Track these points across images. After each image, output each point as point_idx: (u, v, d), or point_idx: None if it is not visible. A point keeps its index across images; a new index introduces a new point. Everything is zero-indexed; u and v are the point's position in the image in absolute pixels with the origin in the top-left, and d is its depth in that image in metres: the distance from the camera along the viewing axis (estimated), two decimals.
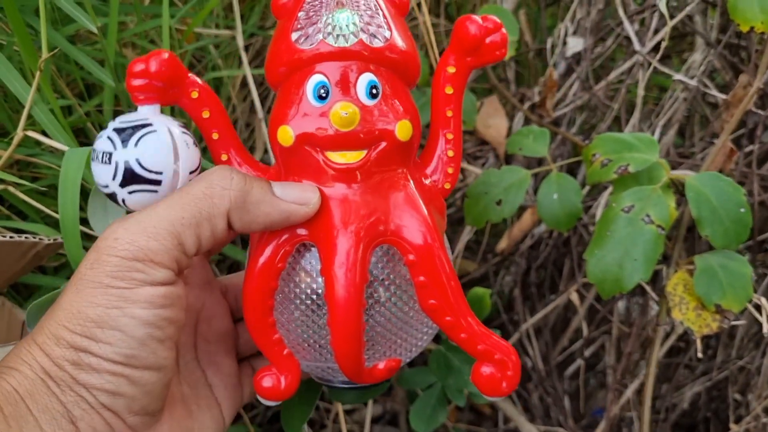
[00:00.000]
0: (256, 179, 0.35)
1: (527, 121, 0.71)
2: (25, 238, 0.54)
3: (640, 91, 0.66)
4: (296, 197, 0.35)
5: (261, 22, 0.96)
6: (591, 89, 0.69)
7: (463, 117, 0.69)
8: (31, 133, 0.56)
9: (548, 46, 0.75)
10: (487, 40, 0.37)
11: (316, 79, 0.35)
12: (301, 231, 0.36)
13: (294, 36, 0.35)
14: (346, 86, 0.35)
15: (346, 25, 0.35)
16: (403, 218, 0.36)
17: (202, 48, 0.89)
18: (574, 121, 0.74)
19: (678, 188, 0.52)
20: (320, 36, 0.35)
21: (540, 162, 0.71)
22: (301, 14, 0.35)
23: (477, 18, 0.37)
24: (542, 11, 0.78)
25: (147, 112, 0.35)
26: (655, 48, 0.72)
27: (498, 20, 0.37)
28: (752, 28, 0.54)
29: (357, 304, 0.34)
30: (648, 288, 0.55)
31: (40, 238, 0.54)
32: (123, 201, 0.34)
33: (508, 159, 0.73)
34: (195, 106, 0.37)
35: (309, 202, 0.35)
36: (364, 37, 0.35)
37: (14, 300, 0.69)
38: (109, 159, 0.33)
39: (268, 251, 0.36)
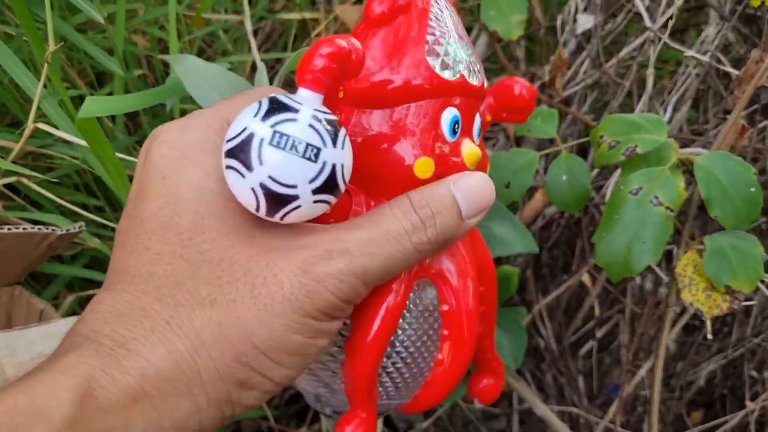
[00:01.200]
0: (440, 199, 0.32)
1: (538, 101, 0.70)
2: (38, 229, 0.55)
3: (651, 69, 0.65)
4: (482, 203, 0.33)
5: (270, 4, 0.96)
6: (601, 67, 0.68)
7: None
8: (41, 126, 0.57)
9: (558, 23, 0.74)
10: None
11: (451, 112, 0.34)
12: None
13: (431, 62, 0.33)
14: (469, 124, 0.35)
15: (473, 61, 0.35)
16: (451, 265, 0.37)
17: (212, 32, 0.89)
18: (586, 100, 0.73)
19: (688, 167, 0.51)
20: (461, 69, 0.34)
21: (552, 142, 0.71)
22: (429, 38, 0.33)
23: (524, 81, 0.39)
24: None
25: (314, 100, 0.29)
26: (669, 23, 0.71)
27: (534, 88, 0.39)
28: (763, 3, 0.53)
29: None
30: (658, 270, 0.54)
31: (52, 229, 0.55)
32: (294, 208, 0.28)
33: (519, 140, 0.72)
34: (333, 108, 0.33)
35: (491, 192, 0.33)
36: (480, 76, 0.36)
37: (32, 289, 0.71)
38: (316, 156, 0.28)
39: (399, 290, 0.34)
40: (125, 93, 0.75)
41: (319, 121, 0.28)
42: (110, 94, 0.76)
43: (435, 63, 0.33)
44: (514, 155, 0.57)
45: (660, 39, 0.64)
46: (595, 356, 0.77)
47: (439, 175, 0.33)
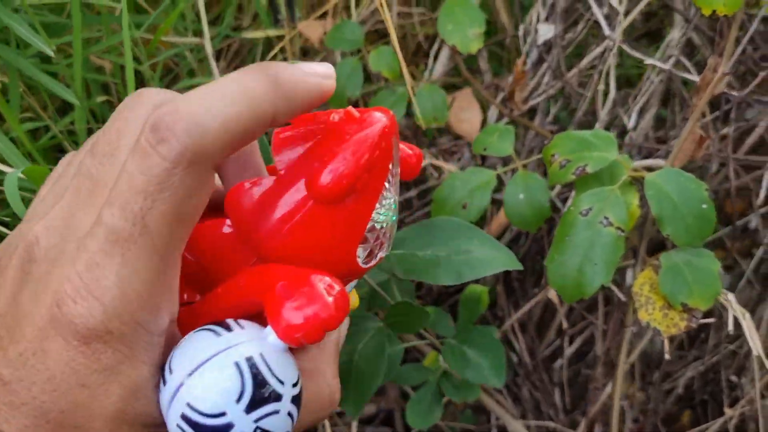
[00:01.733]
0: None
1: (500, 116, 0.70)
2: None
3: (612, 80, 0.64)
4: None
5: (237, 21, 0.95)
6: (563, 77, 0.67)
7: (435, 113, 0.68)
8: None
9: (521, 33, 0.73)
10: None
11: (350, 285, 0.30)
12: None
13: (360, 252, 0.27)
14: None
15: (394, 231, 0.30)
16: None
17: (178, 53, 0.88)
18: (550, 111, 0.72)
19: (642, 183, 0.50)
20: (382, 253, 0.29)
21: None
22: (369, 223, 0.27)
23: (409, 147, 0.32)
24: None
25: (284, 351, 0.25)
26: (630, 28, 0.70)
27: (420, 153, 0.33)
28: (714, 12, 0.52)
29: None
30: (616, 289, 0.54)
31: None
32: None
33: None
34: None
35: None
36: (391, 242, 0.30)
37: None
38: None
39: None
40: (87, 122, 0.74)
41: (296, 404, 0.25)
42: (73, 123, 0.75)
43: (363, 253, 0.27)
44: (471, 175, 0.56)
45: (619, 47, 0.63)
46: (570, 369, 0.76)
47: None
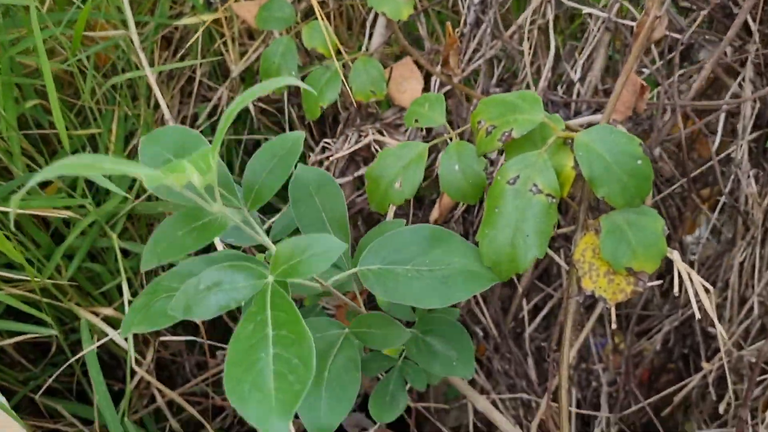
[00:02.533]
0: None
1: (442, 84, 0.66)
2: None
3: (551, 33, 0.60)
4: None
5: (179, 9, 0.91)
6: (501, 36, 0.64)
7: (372, 87, 0.65)
8: None
9: None
10: None
11: None
12: None
13: None
14: None
15: None
16: None
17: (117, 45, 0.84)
18: (494, 73, 0.69)
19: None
20: None
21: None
22: None
23: None
24: None
25: None
26: None
27: None
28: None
29: None
30: (557, 257, 0.51)
31: None
32: None
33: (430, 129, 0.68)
34: None
35: None
36: None
37: None
38: None
39: None
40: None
41: None
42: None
43: None
44: (402, 149, 0.53)
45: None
46: (545, 332, 0.74)
47: None
